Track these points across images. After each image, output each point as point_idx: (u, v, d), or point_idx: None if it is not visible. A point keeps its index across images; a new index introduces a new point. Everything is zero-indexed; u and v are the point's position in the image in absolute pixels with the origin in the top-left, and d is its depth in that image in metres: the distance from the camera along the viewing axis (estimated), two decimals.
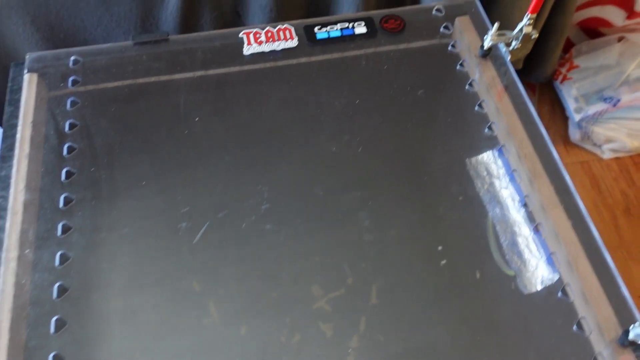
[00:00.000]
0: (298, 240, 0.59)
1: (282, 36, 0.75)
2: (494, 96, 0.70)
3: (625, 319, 0.55)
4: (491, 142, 0.69)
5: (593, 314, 0.56)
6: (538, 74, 1.34)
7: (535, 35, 0.71)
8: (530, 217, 0.64)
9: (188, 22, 0.92)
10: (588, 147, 1.39)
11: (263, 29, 0.75)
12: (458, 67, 0.74)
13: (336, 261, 0.58)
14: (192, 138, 0.66)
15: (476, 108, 0.71)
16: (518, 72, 1.22)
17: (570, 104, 1.37)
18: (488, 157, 0.70)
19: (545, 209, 0.62)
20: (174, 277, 0.57)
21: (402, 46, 0.76)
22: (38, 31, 0.88)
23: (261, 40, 0.74)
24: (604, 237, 1.29)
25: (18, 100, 0.68)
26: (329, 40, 0.75)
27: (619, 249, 1.23)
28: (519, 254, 0.63)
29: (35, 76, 0.70)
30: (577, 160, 1.38)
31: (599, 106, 1.32)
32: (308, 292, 0.56)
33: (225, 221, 0.60)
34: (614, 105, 1.30)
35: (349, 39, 0.75)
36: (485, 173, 0.69)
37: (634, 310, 0.56)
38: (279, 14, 0.94)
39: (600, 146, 1.37)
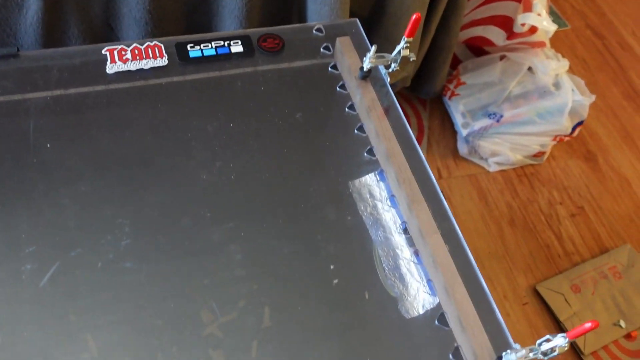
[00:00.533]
0: (162, 280, 0.54)
1: (150, 54, 0.69)
2: (373, 119, 0.69)
3: (500, 345, 0.55)
4: (372, 166, 0.67)
5: (469, 342, 0.55)
6: (427, 89, 1.37)
7: (413, 57, 0.70)
8: (410, 243, 0.63)
9: (52, 34, 0.84)
10: (475, 160, 1.44)
11: (129, 45, 0.69)
12: (338, 88, 0.72)
13: (204, 300, 0.54)
14: (42, 167, 0.59)
15: (356, 131, 0.69)
16: (408, 87, 1.25)
17: (458, 120, 1.41)
18: (371, 180, 0.68)
19: (424, 235, 0.61)
20: (14, 329, 0.50)
21: (281, 66, 0.73)
22: None
23: (127, 57, 0.68)
24: (490, 248, 1.33)
25: None
26: (203, 59, 0.70)
27: (504, 259, 1.28)
28: (401, 278, 0.62)
29: None
30: (465, 173, 1.42)
31: (484, 122, 1.37)
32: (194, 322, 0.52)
33: (79, 261, 0.54)
34: (498, 120, 1.35)
35: (225, 57, 0.71)
36: (368, 195, 0.67)
37: (508, 336, 0.56)
38: (155, 28, 0.89)
39: (486, 159, 1.43)
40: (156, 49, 0.70)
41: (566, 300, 1.20)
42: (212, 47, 0.71)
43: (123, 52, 0.69)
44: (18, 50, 0.66)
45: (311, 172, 0.65)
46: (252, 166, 0.63)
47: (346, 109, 0.71)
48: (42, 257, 0.53)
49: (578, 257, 1.30)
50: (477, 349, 0.55)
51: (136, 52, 0.69)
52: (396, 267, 0.62)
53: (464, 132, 1.39)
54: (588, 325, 0.48)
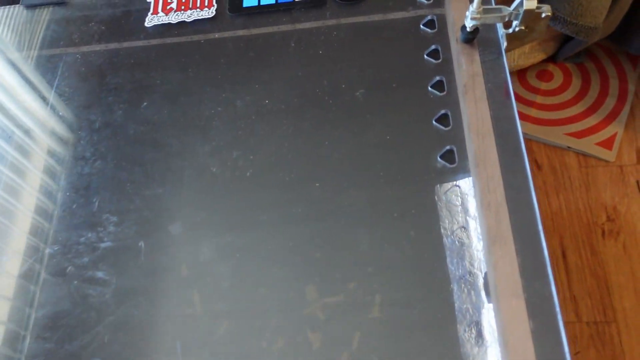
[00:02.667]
0: (267, 248, 0.44)
1: (197, 3, 0.56)
2: (468, 104, 0.47)
3: None
4: (444, 177, 0.47)
5: None
6: (639, 43, 1.01)
7: (547, 12, 0.46)
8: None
9: None
10: None
11: None
12: (426, 56, 0.51)
13: (311, 275, 0.43)
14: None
15: (434, 122, 0.48)
16: (613, 39, 0.92)
17: None
18: (468, 188, 0.48)
19: (499, 296, 0.41)
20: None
21: (356, 20, 0.54)
22: None
23: (171, 7, 0.57)
24: None
25: None
26: (258, 9, 0.55)
27: None
28: (479, 332, 0.43)
29: None
30: None
31: None
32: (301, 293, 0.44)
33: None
34: None
35: (286, 7, 0.55)
36: (459, 208, 0.48)
37: None
38: None
39: None
40: None
41: None
42: None
43: (169, 1, 0.57)
44: None
45: (356, 175, 0.47)
46: (275, 162, 0.48)
47: (429, 88, 0.50)
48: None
49: None
50: None
51: (183, 0, 0.57)
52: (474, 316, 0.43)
53: None
54: None
